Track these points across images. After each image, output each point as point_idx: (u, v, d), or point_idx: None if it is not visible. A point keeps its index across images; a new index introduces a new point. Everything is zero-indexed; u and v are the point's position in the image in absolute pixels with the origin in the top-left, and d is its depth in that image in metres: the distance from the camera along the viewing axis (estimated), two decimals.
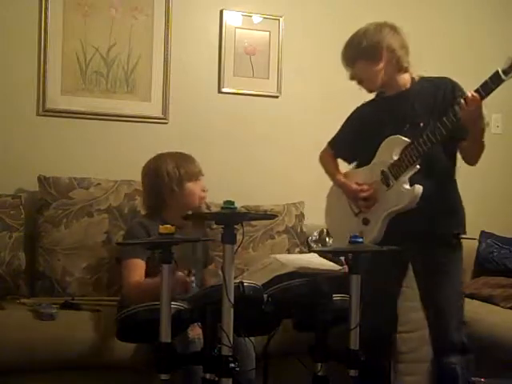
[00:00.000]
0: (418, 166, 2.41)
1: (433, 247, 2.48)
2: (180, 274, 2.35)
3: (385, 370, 2.71)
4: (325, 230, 3.33)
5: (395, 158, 2.44)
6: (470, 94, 2.22)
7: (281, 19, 3.62)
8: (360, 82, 2.56)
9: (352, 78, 2.57)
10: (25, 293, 2.91)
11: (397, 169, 2.43)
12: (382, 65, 2.49)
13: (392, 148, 2.45)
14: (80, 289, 2.97)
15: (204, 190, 2.75)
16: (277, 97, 3.66)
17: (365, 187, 2.52)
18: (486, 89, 2.20)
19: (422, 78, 2.56)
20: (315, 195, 3.63)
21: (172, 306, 1.99)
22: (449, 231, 2.52)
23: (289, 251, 3.34)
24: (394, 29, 2.54)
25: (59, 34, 3.23)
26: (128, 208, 3.11)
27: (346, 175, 2.68)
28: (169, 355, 1.97)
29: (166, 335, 1.96)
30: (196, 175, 2.72)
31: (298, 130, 3.67)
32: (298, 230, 3.42)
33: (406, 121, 2.46)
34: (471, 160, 2.49)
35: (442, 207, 2.49)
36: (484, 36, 4.02)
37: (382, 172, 2.48)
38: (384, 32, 2.52)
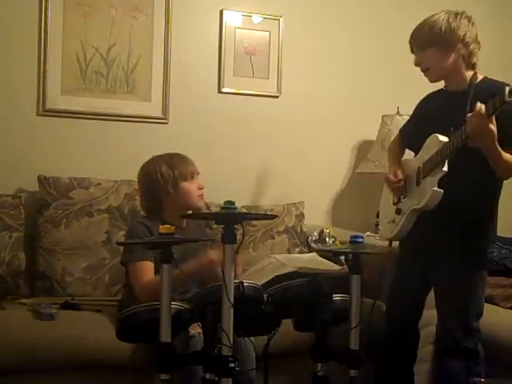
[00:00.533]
0: (444, 169, 2.34)
1: (451, 255, 2.44)
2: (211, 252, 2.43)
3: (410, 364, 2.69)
4: (325, 230, 3.33)
5: (427, 157, 2.41)
6: (477, 107, 2.15)
7: (281, 19, 3.62)
8: (425, 70, 2.46)
9: (417, 64, 2.46)
10: (25, 293, 2.91)
11: (427, 168, 2.41)
12: (453, 56, 2.40)
13: (430, 146, 2.42)
14: (80, 289, 2.97)
15: (200, 188, 2.72)
16: (277, 97, 3.66)
17: (398, 178, 2.54)
18: (492, 107, 2.13)
19: (485, 79, 2.45)
20: (315, 195, 3.65)
21: (172, 305, 1.99)
22: (469, 245, 2.44)
23: (289, 251, 3.34)
24: (470, 20, 2.42)
25: (59, 34, 3.23)
26: (128, 208, 3.11)
27: (400, 164, 2.66)
28: (169, 355, 1.97)
29: (166, 335, 1.96)
30: (190, 174, 2.70)
31: (298, 130, 3.67)
32: (298, 229, 3.42)
33: (453, 122, 2.35)
34: (498, 174, 2.35)
35: (469, 220, 2.41)
36: (484, 36, 4.01)
37: (418, 168, 2.48)
38: (462, 22, 2.40)
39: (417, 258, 2.53)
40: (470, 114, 2.17)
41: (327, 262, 2.93)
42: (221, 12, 3.52)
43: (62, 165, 3.20)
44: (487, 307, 3.14)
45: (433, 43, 2.40)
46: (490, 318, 2.95)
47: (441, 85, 2.54)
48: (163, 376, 1.97)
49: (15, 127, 3.20)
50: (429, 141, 2.45)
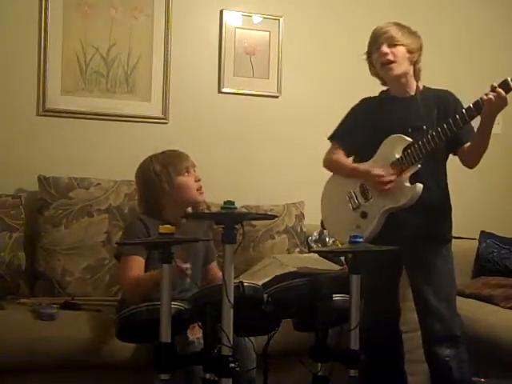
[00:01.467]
0: (418, 166, 2.47)
1: (424, 245, 2.54)
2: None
3: (399, 365, 2.73)
4: (325, 230, 3.33)
5: (397, 155, 2.49)
6: (494, 90, 2.28)
7: (281, 19, 3.62)
8: (389, 63, 2.54)
9: (385, 54, 2.54)
10: (25, 293, 2.91)
11: (398, 167, 2.49)
12: (413, 59, 2.57)
13: (394, 146, 2.52)
14: (80, 289, 2.97)
15: (197, 180, 2.67)
16: (277, 97, 3.66)
17: (389, 174, 2.54)
18: (505, 87, 2.28)
19: (426, 88, 2.63)
20: (315, 195, 3.63)
21: (172, 305, 1.99)
22: (443, 235, 2.61)
23: (289, 251, 3.34)
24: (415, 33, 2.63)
25: (59, 34, 3.23)
26: (128, 208, 3.11)
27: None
28: (169, 355, 1.97)
29: (166, 335, 1.96)
30: (186, 169, 2.66)
31: (298, 130, 3.67)
32: (298, 229, 3.42)
33: (409, 124, 2.53)
34: (474, 161, 2.54)
35: (440, 210, 2.58)
36: (487, 40, 4.02)
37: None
38: (416, 32, 2.61)
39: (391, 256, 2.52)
40: (491, 95, 2.28)
41: (327, 261, 2.93)
42: (221, 12, 3.52)
43: (61, 165, 3.20)
44: (487, 307, 3.16)
45: (404, 43, 2.55)
46: (489, 318, 2.96)
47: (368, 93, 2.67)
48: (163, 376, 1.96)
49: (15, 127, 3.20)
50: (390, 141, 2.53)
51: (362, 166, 2.62)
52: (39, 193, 3.05)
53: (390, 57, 2.54)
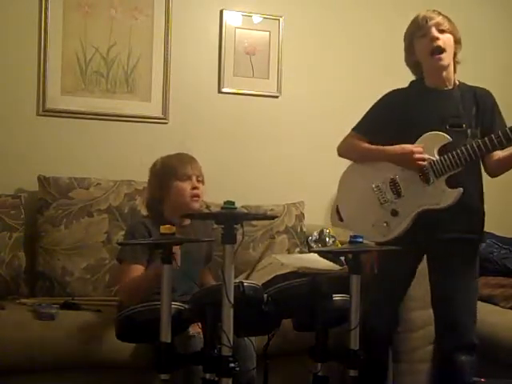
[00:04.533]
0: (460, 169, 2.38)
1: (457, 250, 2.47)
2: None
3: (385, 368, 2.70)
4: (325, 230, 3.33)
5: (436, 155, 2.40)
6: None
7: (281, 19, 3.62)
8: (441, 51, 2.44)
9: (436, 38, 2.44)
10: (25, 293, 2.91)
11: (440, 168, 2.39)
12: (456, 50, 2.50)
13: (433, 144, 2.41)
14: (80, 289, 2.97)
15: (194, 188, 2.65)
16: (277, 97, 3.66)
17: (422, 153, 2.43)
18: None
19: (463, 83, 2.53)
20: (315, 195, 3.65)
21: (172, 306, 1.99)
22: (478, 238, 2.54)
23: (289, 251, 3.34)
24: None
25: (59, 34, 3.23)
26: (128, 208, 3.11)
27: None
28: (169, 355, 1.97)
29: (165, 335, 1.96)
30: (186, 175, 2.65)
31: (298, 130, 3.67)
32: (298, 229, 3.42)
33: (447, 120, 2.41)
34: (500, 170, 2.49)
35: (476, 213, 2.51)
36: (487, 40, 4.02)
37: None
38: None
39: (411, 256, 2.50)
40: None
41: (327, 262, 2.93)
42: (221, 12, 3.52)
43: (62, 165, 3.20)
44: (487, 307, 3.15)
45: (451, 32, 2.47)
46: (490, 318, 2.95)
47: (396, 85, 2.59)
48: (163, 376, 1.96)
49: (15, 127, 3.20)
50: (428, 138, 2.42)
51: (388, 149, 2.47)
52: (39, 193, 3.05)
53: (441, 42, 2.43)
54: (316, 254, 3.02)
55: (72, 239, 3.00)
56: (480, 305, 3.18)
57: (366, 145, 2.55)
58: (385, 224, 2.48)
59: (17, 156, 3.18)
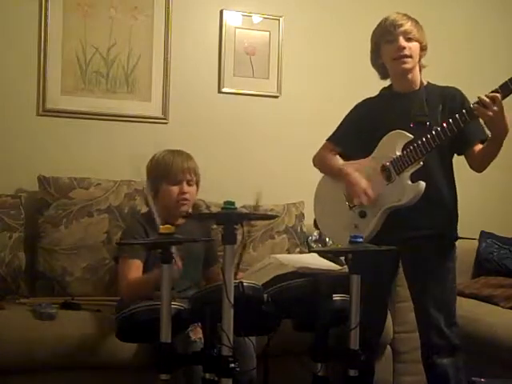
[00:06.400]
0: (421, 163, 2.39)
1: (428, 248, 2.47)
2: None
3: (372, 369, 2.69)
4: None
5: (398, 153, 2.42)
6: (487, 96, 2.22)
7: (281, 19, 3.62)
8: (408, 56, 2.47)
9: (403, 48, 2.47)
10: (25, 293, 2.91)
11: (400, 164, 2.41)
12: (422, 56, 2.53)
13: (395, 143, 2.44)
14: (80, 289, 2.97)
15: (182, 192, 2.66)
16: (277, 97, 3.66)
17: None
18: (505, 89, 2.21)
19: (431, 84, 2.57)
20: None
21: (172, 306, 1.99)
22: (451, 235, 2.53)
23: (289, 251, 3.34)
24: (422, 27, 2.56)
25: (59, 34, 3.23)
26: (128, 208, 3.11)
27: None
28: (169, 355, 1.97)
29: (166, 335, 1.96)
30: (178, 180, 2.66)
31: (298, 130, 3.66)
32: (298, 229, 3.41)
33: (412, 119, 2.45)
34: (482, 165, 2.48)
35: (447, 209, 2.50)
36: (485, 36, 4.02)
37: (383, 166, 2.46)
38: (422, 26, 2.54)
39: (388, 258, 2.49)
40: (483, 103, 2.21)
41: (327, 261, 2.93)
42: (221, 12, 3.52)
43: (61, 165, 3.20)
44: (487, 307, 3.16)
45: (418, 39, 2.49)
46: (489, 318, 2.96)
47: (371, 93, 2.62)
48: (163, 376, 1.97)
49: (15, 127, 3.20)
50: (390, 138, 2.46)
51: (348, 168, 2.55)
52: (39, 193, 3.05)
53: (407, 51, 2.46)
54: (316, 254, 3.02)
55: (72, 239, 3.00)
56: (480, 305, 3.20)
57: (333, 161, 2.65)
58: (354, 226, 2.52)
59: (17, 156, 3.18)
